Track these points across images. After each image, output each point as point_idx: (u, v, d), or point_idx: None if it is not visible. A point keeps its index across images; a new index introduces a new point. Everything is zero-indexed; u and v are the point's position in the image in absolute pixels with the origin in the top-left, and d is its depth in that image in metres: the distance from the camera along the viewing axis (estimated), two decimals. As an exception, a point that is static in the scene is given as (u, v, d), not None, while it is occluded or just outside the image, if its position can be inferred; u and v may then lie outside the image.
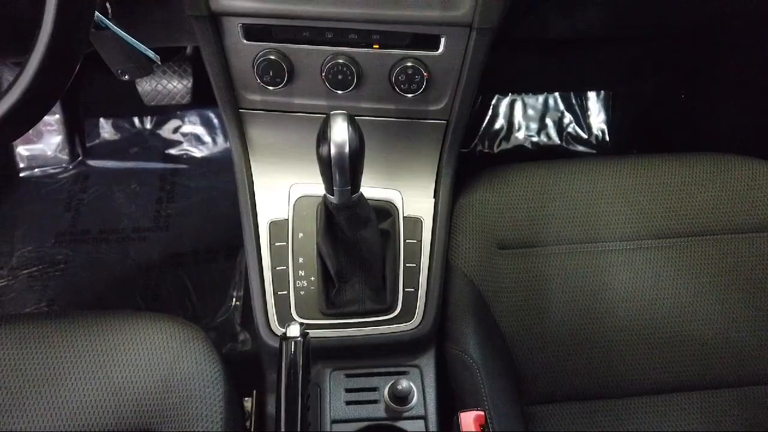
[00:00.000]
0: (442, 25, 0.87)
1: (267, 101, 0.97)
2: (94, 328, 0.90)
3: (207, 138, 1.83)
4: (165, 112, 1.80)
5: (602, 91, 1.84)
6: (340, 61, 0.90)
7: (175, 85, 1.61)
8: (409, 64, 0.90)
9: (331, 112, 0.77)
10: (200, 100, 1.73)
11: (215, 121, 1.83)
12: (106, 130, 1.82)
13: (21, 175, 1.75)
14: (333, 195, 0.81)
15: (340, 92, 0.93)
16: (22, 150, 1.76)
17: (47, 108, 0.69)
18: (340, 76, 0.91)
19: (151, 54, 0.82)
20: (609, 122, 1.86)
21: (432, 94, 0.94)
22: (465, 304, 1.00)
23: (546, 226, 1.05)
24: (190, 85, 1.61)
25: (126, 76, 0.88)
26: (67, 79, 0.66)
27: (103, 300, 1.57)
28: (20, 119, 0.65)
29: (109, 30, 0.79)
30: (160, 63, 0.85)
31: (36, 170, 1.76)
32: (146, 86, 1.60)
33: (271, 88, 0.93)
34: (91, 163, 1.78)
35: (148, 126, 1.83)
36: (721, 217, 1.06)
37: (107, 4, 0.80)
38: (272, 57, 0.90)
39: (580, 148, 1.86)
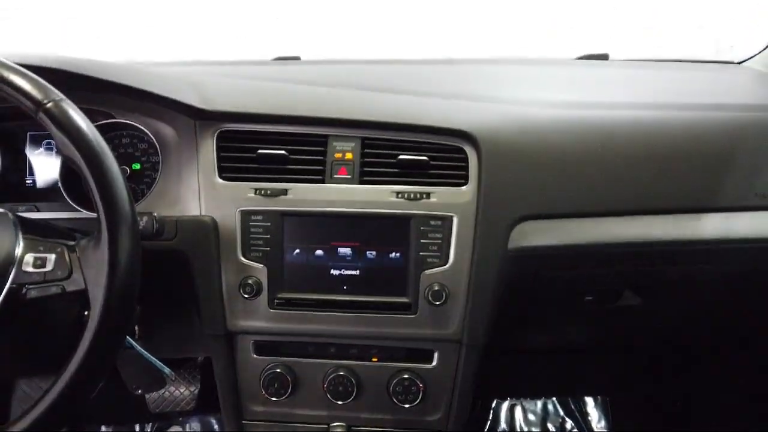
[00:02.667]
0: (435, 342, 0.96)
1: (270, 412, 1.01)
2: None
3: (205, 446, 1.79)
4: (168, 417, 1.80)
5: (599, 397, 1.86)
6: (341, 373, 0.97)
7: (182, 392, 1.65)
8: (406, 376, 0.97)
9: (331, 424, 0.81)
10: (204, 405, 1.75)
11: (216, 427, 1.81)
12: (105, 436, 1.79)
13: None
14: None
15: (340, 403, 0.97)
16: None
17: (64, 425, 0.72)
18: (340, 388, 0.97)
19: (167, 371, 0.89)
20: (611, 429, 1.83)
21: (428, 404, 0.99)
22: None
23: None
24: (196, 391, 1.65)
25: (140, 391, 0.94)
26: (88, 398, 0.71)
27: None
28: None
29: (133, 349, 0.88)
30: (173, 379, 0.92)
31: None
32: (154, 393, 1.64)
33: (274, 399, 0.98)
34: (82, 475, 1.71)
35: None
36: None
37: (136, 327, 0.91)
38: (278, 370, 0.98)
39: (588, 457, 1.79)
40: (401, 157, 0.93)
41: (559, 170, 0.94)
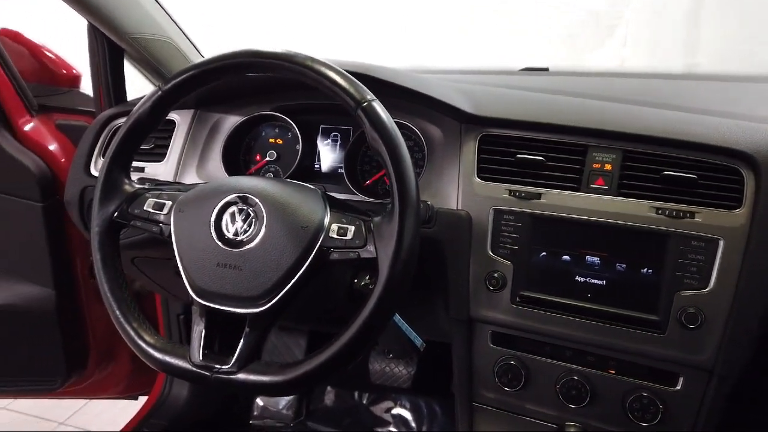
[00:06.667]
0: (680, 365, 0.93)
1: (500, 400, 1.07)
2: None
3: (412, 424, 1.93)
4: (383, 391, 1.97)
5: None
6: (575, 377, 0.99)
7: (401, 370, 1.80)
8: (645, 394, 0.95)
9: (566, 422, 0.84)
10: (416, 387, 1.88)
11: (424, 410, 1.93)
12: (330, 397, 2.03)
13: (251, 422, 1.99)
14: None
15: (572, 406, 0.99)
16: (259, 400, 2.03)
17: (331, 374, 0.83)
18: (573, 392, 0.99)
19: (419, 342, 1.00)
20: None
21: (667, 428, 0.95)
22: None
23: None
24: (413, 372, 1.79)
25: (391, 355, 1.07)
26: (362, 353, 0.82)
27: None
28: (315, 379, 0.80)
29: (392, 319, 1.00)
30: (422, 350, 1.02)
31: (267, 420, 1.99)
32: (377, 366, 1.82)
33: (507, 389, 1.04)
34: (310, 424, 1.96)
35: (365, 401, 2.00)
36: None
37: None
38: (512, 362, 1.03)
39: None
40: (666, 172, 0.92)
41: None
